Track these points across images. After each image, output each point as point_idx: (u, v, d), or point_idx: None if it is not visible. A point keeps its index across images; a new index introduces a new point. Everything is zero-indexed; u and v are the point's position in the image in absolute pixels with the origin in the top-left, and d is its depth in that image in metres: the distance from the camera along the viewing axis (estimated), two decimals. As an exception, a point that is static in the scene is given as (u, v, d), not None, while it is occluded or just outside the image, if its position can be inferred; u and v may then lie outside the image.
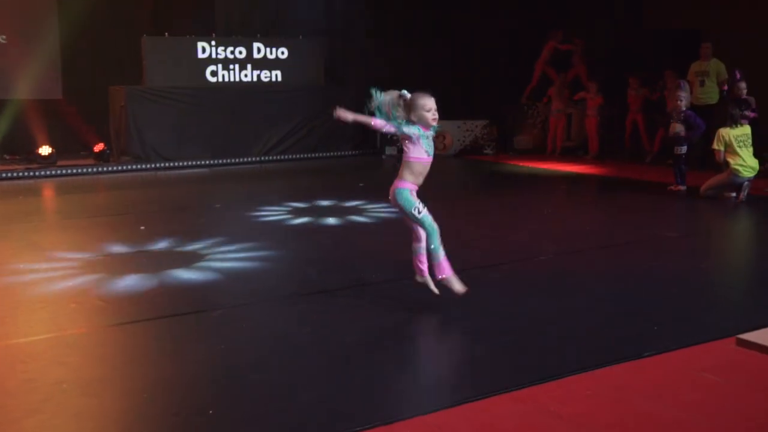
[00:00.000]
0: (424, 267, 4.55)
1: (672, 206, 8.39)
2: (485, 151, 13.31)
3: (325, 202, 8.45)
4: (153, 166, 11.57)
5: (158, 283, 5.27)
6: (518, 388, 3.44)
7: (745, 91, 9.48)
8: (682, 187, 9.04)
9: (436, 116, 4.35)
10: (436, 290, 4.57)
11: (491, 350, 3.97)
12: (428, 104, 4.33)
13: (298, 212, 7.92)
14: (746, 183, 8.31)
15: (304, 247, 6.50)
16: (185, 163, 11.78)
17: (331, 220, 7.49)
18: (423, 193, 4.50)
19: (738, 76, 9.78)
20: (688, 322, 4.37)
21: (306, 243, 6.68)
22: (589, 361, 3.76)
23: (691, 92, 10.29)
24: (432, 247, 4.43)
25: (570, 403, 3.31)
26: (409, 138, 4.36)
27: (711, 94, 10.93)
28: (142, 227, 7.19)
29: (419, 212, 4.39)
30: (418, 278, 4.60)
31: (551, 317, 4.50)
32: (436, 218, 4.49)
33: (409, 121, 4.34)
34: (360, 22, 13.34)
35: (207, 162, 11.98)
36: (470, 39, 14.29)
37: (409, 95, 4.33)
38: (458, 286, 4.51)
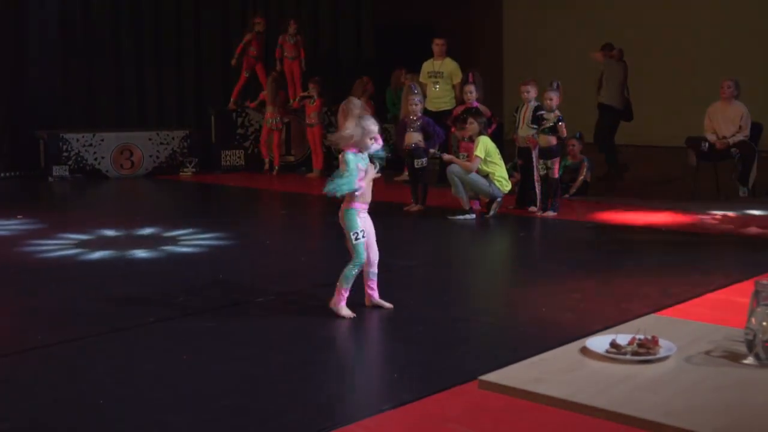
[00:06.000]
0: (373, 292, 5.51)
1: (410, 230, 8.88)
2: (184, 170, 13.12)
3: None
4: None
5: None
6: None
7: (472, 96, 9.95)
8: (421, 207, 9.58)
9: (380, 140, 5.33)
10: (390, 305, 5.50)
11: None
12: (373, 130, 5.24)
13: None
14: (499, 200, 9.04)
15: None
16: None
17: None
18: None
19: (470, 78, 10.29)
20: (430, 366, 4.65)
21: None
22: (317, 424, 3.88)
23: (425, 95, 10.86)
24: (347, 273, 5.30)
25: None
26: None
27: (446, 98, 11.43)
28: None
29: (357, 238, 5.26)
30: (368, 303, 5.50)
31: (277, 375, 4.57)
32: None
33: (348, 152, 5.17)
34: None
35: None
36: (160, 32, 14.18)
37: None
38: (345, 312, 5.35)
